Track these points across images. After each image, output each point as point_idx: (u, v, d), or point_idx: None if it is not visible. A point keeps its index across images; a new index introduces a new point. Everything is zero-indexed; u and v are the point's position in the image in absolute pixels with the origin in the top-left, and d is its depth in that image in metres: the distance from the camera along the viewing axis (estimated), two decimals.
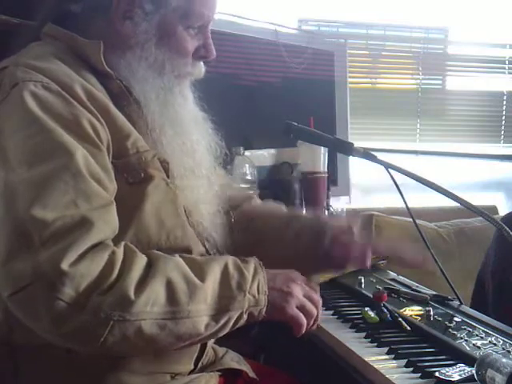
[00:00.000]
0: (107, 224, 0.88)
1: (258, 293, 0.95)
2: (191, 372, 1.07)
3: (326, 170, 2.06)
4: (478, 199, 2.34)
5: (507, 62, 3.25)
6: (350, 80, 2.63)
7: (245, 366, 1.17)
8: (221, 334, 0.95)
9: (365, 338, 1.18)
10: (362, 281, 1.52)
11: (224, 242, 1.14)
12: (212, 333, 0.93)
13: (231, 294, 0.93)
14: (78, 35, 1.03)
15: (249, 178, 1.88)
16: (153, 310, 0.85)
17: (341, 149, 1.35)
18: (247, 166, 1.87)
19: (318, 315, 1.03)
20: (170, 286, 0.87)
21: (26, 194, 0.84)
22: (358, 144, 1.34)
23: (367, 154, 1.32)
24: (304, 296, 1.01)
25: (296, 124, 1.32)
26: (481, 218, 1.18)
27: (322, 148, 2.01)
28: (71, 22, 1.06)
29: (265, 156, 2.05)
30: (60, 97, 0.91)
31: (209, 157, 1.14)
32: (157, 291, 0.86)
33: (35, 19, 1.11)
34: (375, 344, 1.15)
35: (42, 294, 0.81)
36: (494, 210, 2.79)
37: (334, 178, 2.32)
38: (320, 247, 1.18)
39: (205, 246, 1.09)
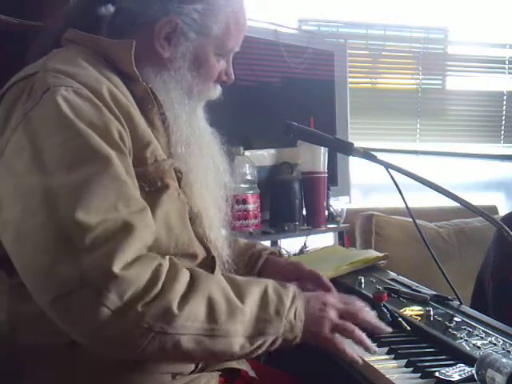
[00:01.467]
0: (147, 228, 0.89)
1: (295, 319, 0.97)
2: (192, 372, 1.07)
3: (325, 170, 2.06)
4: (477, 199, 2.35)
5: (507, 62, 3.25)
6: (350, 80, 2.63)
7: (245, 366, 1.18)
8: (254, 355, 0.97)
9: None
10: (362, 281, 1.52)
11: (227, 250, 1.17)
12: (246, 353, 0.94)
13: (269, 318, 0.94)
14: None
15: (249, 178, 1.88)
16: (193, 326, 0.87)
17: (341, 149, 1.35)
18: (247, 165, 1.87)
19: (363, 324, 1.04)
20: (210, 304, 0.89)
21: (67, 199, 0.84)
22: (358, 144, 1.35)
23: (367, 154, 1.32)
24: (340, 314, 1.02)
25: (296, 124, 1.32)
26: (481, 218, 1.18)
27: (322, 148, 2.01)
28: (105, 32, 1.07)
29: (265, 156, 2.05)
30: (90, 103, 0.92)
31: (222, 176, 1.18)
32: (198, 307, 0.87)
33: (57, 24, 1.12)
34: (375, 344, 1.14)
35: (87, 300, 0.81)
36: (494, 210, 2.80)
37: (334, 178, 2.32)
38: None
39: (207, 252, 1.10)
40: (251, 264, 1.32)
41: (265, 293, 0.96)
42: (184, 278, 0.89)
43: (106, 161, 0.88)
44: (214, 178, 1.14)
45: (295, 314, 0.97)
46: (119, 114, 0.94)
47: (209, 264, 1.10)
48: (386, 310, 1.29)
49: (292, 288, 1.00)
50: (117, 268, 0.82)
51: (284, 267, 1.32)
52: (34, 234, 0.84)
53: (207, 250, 1.10)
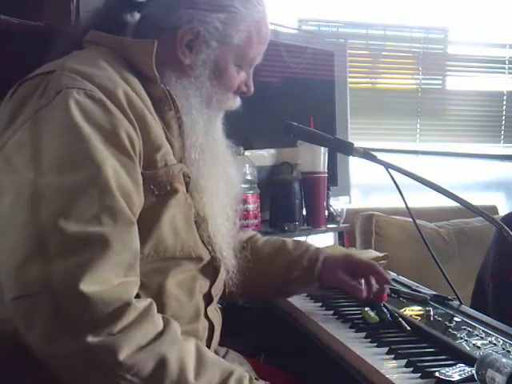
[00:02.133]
0: (126, 247, 0.87)
1: None
2: None
3: (325, 170, 2.06)
4: (477, 199, 2.34)
5: (507, 62, 3.25)
6: (350, 80, 2.62)
7: (246, 366, 1.18)
8: None
9: (365, 337, 1.18)
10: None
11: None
12: None
13: None
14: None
15: (249, 177, 1.88)
16: (132, 380, 0.84)
17: (341, 149, 1.36)
18: (247, 166, 1.87)
19: None
20: (161, 365, 0.85)
21: (51, 201, 0.84)
22: (358, 144, 1.35)
23: (367, 154, 1.32)
24: None
25: (296, 124, 1.32)
26: (481, 218, 1.18)
27: (322, 148, 2.00)
28: (129, 37, 1.07)
29: (265, 156, 2.04)
30: (101, 105, 0.91)
31: (233, 187, 1.18)
32: (146, 364, 0.84)
33: (79, 27, 1.13)
34: (375, 344, 1.15)
35: (44, 307, 0.81)
36: (494, 210, 2.80)
37: (334, 178, 2.32)
38: (310, 282, 1.35)
39: (211, 256, 1.10)
40: (310, 266, 1.34)
41: (227, 377, 0.92)
42: (152, 328, 0.86)
43: (97, 168, 0.87)
44: (224, 187, 1.13)
45: None
46: (133, 117, 0.94)
47: (213, 268, 1.10)
48: (386, 310, 1.29)
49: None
50: (84, 285, 0.80)
51: (339, 262, 1.36)
52: (13, 231, 0.84)
53: (211, 253, 1.10)
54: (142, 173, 0.95)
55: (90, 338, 0.80)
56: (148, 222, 0.96)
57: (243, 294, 1.27)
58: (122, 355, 0.82)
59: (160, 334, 0.87)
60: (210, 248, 1.09)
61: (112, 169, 0.88)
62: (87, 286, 0.80)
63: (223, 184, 1.13)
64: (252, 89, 1.16)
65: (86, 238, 0.83)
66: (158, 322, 0.88)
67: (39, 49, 1.06)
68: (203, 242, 1.08)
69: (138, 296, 0.92)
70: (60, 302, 0.80)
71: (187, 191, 1.05)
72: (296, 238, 1.90)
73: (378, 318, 1.27)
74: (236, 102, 1.15)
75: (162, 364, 0.85)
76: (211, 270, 1.10)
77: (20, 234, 0.84)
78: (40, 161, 0.87)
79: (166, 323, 0.90)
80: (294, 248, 1.37)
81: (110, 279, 0.84)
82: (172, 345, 0.87)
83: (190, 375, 0.87)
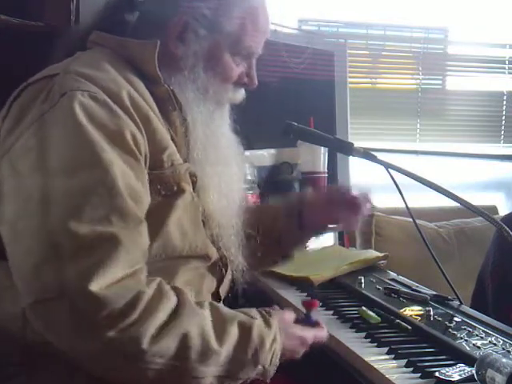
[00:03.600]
0: (136, 246, 0.88)
1: (270, 364, 0.97)
2: None
3: (325, 170, 2.06)
4: (477, 199, 2.34)
5: (507, 62, 3.25)
6: (350, 80, 2.62)
7: None
8: None
9: (365, 338, 1.18)
10: (362, 281, 1.52)
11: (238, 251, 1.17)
12: None
13: (244, 362, 0.94)
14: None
15: (249, 177, 1.88)
16: (159, 361, 0.86)
17: (341, 149, 1.35)
18: (247, 166, 1.87)
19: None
20: (185, 341, 0.87)
21: (61, 204, 0.84)
22: (358, 144, 1.34)
23: (367, 154, 1.32)
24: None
25: (296, 124, 1.32)
26: (481, 218, 1.18)
27: (322, 148, 2.01)
28: (128, 36, 1.07)
29: (265, 156, 2.04)
30: (106, 107, 0.92)
31: (240, 184, 1.19)
32: (170, 344, 0.86)
33: (83, 28, 1.13)
34: (375, 344, 1.15)
35: (62, 311, 0.82)
36: (494, 210, 2.79)
37: (334, 178, 2.32)
38: (293, 221, 1.30)
39: (219, 254, 1.11)
40: (290, 215, 1.31)
41: (247, 333, 0.94)
42: (166, 308, 0.87)
43: (105, 169, 0.87)
44: (228, 184, 1.12)
45: (271, 359, 0.97)
46: (138, 118, 0.94)
47: (220, 266, 1.11)
48: (312, 320, 1.13)
49: (274, 327, 0.99)
50: (96, 285, 0.81)
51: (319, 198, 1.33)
52: (25, 236, 0.85)
53: (218, 251, 1.10)
54: (148, 173, 0.95)
55: (111, 333, 0.82)
56: (155, 223, 0.96)
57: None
58: (145, 342, 0.83)
59: (176, 310, 0.88)
60: (217, 246, 1.09)
61: (119, 169, 0.88)
62: (98, 285, 0.81)
63: (227, 181, 1.12)
64: (255, 81, 1.13)
65: (97, 238, 0.84)
66: (171, 298, 0.89)
67: (39, 49, 1.06)
68: (212, 240, 1.08)
69: None
70: (76, 303, 0.81)
71: (194, 190, 1.04)
72: None
73: (378, 318, 1.27)
74: (239, 95, 1.14)
75: (184, 340, 0.87)
76: (218, 268, 1.11)
77: (32, 239, 0.84)
78: (47, 165, 0.87)
79: (179, 295, 0.91)
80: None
81: (122, 277, 0.85)
82: (189, 318, 0.89)
83: (213, 342, 0.89)
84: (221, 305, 0.97)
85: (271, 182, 2.01)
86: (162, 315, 0.86)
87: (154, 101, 1.02)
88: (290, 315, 1.07)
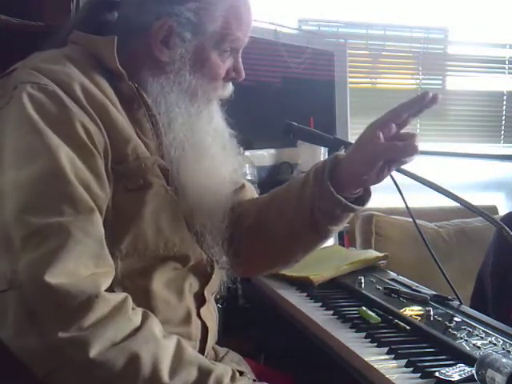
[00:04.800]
0: (88, 235, 0.86)
1: None
2: None
3: None
4: (477, 199, 2.34)
5: (507, 62, 3.25)
6: (350, 80, 2.62)
7: (244, 367, 1.17)
8: None
9: (365, 338, 1.18)
10: (362, 281, 1.52)
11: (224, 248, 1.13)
12: None
13: None
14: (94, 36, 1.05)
15: (249, 177, 1.88)
16: (102, 375, 0.83)
17: (341, 149, 1.35)
18: (247, 166, 1.87)
19: None
20: (133, 363, 0.84)
21: (12, 197, 0.85)
22: None
23: None
24: None
25: (296, 124, 1.32)
26: (481, 218, 1.18)
27: (322, 148, 2.00)
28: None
29: (265, 156, 2.05)
30: (54, 98, 0.92)
31: (228, 179, 1.13)
32: (117, 361, 0.83)
33: (65, 28, 1.12)
34: (375, 344, 1.15)
35: (13, 303, 0.81)
36: (494, 210, 2.79)
37: None
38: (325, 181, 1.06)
39: (204, 252, 1.08)
40: (318, 174, 1.09)
41: (205, 377, 0.89)
42: (124, 324, 0.85)
43: (53, 158, 0.87)
44: (212, 183, 1.09)
45: None
46: (91, 109, 0.94)
47: (205, 267, 1.08)
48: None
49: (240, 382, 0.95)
50: (48, 277, 0.80)
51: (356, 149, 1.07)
52: None
53: (201, 252, 1.07)
54: (113, 167, 0.95)
55: (60, 334, 0.80)
56: (124, 219, 0.95)
57: (270, 258, 1.19)
58: (93, 352, 0.81)
59: (135, 331, 0.86)
60: (201, 245, 1.07)
61: (67, 158, 0.88)
62: (52, 277, 0.80)
63: (211, 180, 1.09)
64: (242, 74, 1.11)
65: (47, 229, 0.83)
66: (133, 317, 0.87)
67: (39, 49, 1.06)
68: (196, 240, 1.06)
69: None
70: (27, 296, 0.81)
71: (168, 184, 1.02)
72: None
73: (378, 318, 1.27)
74: (227, 90, 1.12)
75: (133, 362, 0.84)
76: (202, 269, 1.08)
77: None
78: (2, 158, 0.88)
79: (144, 319, 0.88)
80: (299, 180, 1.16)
81: (77, 270, 0.83)
82: (146, 342, 0.86)
83: (164, 374, 0.85)
84: (188, 346, 0.92)
85: (271, 181, 2.01)
86: (118, 330, 0.84)
87: (120, 98, 1.00)
88: None
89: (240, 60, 1.12)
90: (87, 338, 0.81)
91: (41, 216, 0.84)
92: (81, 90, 0.94)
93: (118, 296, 0.88)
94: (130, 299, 0.89)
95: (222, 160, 1.12)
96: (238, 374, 0.98)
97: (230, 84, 1.13)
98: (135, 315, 0.88)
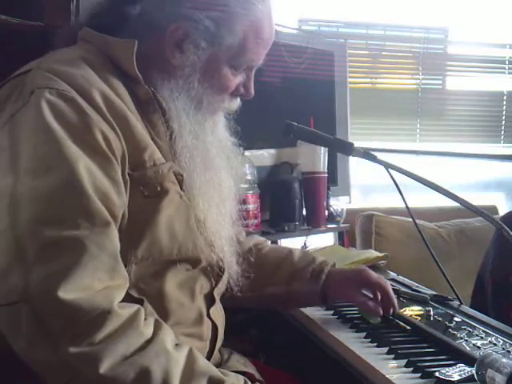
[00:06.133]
0: (102, 250, 0.85)
1: None
2: None
3: (326, 170, 2.05)
4: (477, 199, 2.34)
5: (507, 62, 3.25)
6: (350, 80, 2.62)
7: (251, 368, 1.17)
8: None
9: (365, 337, 1.18)
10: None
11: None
12: None
13: None
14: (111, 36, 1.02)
15: (249, 177, 1.88)
16: None
17: (341, 149, 1.35)
18: (247, 166, 1.87)
19: None
20: (144, 377, 0.83)
21: (28, 207, 0.83)
22: (358, 144, 1.34)
23: (367, 154, 1.32)
24: None
25: (296, 124, 1.32)
26: (481, 218, 1.18)
27: (322, 148, 2.00)
28: (124, 34, 1.04)
29: (265, 156, 2.04)
30: (74, 105, 0.90)
31: (233, 189, 1.14)
32: (127, 376, 0.82)
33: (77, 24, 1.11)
34: (375, 344, 1.15)
35: (25, 316, 0.80)
36: (494, 210, 2.79)
37: (334, 178, 2.32)
38: (313, 292, 1.28)
39: (212, 257, 1.08)
40: (313, 279, 1.28)
41: None
42: (136, 338, 0.84)
43: (70, 168, 0.85)
44: (218, 193, 1.09)
45: None
46: (111, 116, 0.92)
47: (215, 270, 1.09)
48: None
49: None
50: (61, 292, 0.79)
51: (349, 278, 1.29)
52: None
53: (213, 256, 1.07)
54: (129, 174, 0.94)
55: (71, 349, 0.79)
56: (140, 225, 0.94)
57: (243, 299, 1.25)
58: (103, 367, 0.80)
59: (147, 343, 0.85)
60: (211, 250, 1.07)
61: (85, 168, 0.86)
62: (65, 293, 0.79)
63: (217, 190, 1.09)
64: (251, 92, 1.11)
65: (62, 243, 0.82)
66: (145, 330, 0.86)
67: (39, 49, 1.06)
68: (207, 244, 1.06)
69: (139, 301, 0.91)
70: (39, 310, 0.80)
71: (182, 189, 1.02)
72: (296, 238, 1.91)
73: (378, 318, 1.27)
74: (233, 104, 1.11)
75: (144, 376, 0.83)
76: (213, 272, 1.09)
77: (0, 242, 0.83)
78: (17, 165, 0.86)
79: (156, 330, 0.87)
80: (298, 259, 1.32)
81: (91, 285, 0.82)
82: (157, 356, 0.85)
83: None
84: (200, 356, 0.92)
85: (271, 181, 2.01)
86: (129, 344, 0.83)
87: (136, 101, 0.99)
88: None
89: (252, 78, 1.10)
90: (98, 353, 0.80)
91: (56, 228, 0.82)
92: (100, 97, 0.92)
93: (131, 309, 0.86)
94: (142, 311, 0.88)
95: (227, 172, 1.13)
96: (249, 382, 0.98)
97: (238, 99, 1.12)
98: (147, 327, 0.87)
